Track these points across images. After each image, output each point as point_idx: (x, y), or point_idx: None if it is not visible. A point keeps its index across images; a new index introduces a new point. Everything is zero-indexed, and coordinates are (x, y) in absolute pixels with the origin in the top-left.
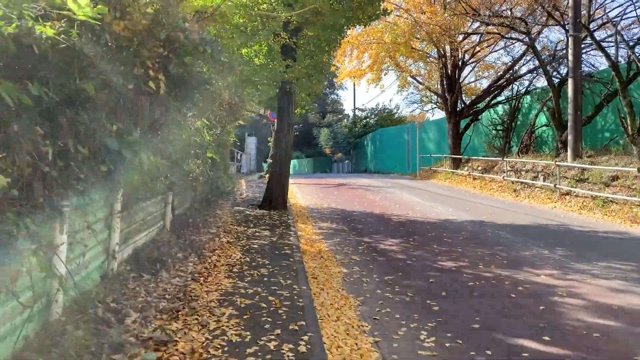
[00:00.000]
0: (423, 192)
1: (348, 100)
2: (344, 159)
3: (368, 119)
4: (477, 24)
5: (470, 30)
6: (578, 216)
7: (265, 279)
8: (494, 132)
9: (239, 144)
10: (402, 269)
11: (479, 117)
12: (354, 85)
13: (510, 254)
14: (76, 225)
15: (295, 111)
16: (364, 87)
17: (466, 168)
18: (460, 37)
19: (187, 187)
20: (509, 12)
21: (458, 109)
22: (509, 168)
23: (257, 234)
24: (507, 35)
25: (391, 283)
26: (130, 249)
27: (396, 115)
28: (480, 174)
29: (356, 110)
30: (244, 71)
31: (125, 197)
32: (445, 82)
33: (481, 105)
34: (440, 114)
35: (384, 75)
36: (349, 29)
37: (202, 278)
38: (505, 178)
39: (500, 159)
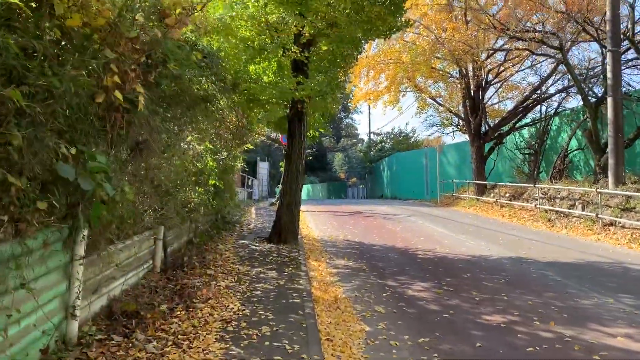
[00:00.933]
0: (448, 222)
1: (363, 124)
2: (359, 184)
3: (384, 143)
4: (503, 40)
5: (495, 47)
6: (629, 251)
7: (267, 342)
8: (520, 156)
9: (247, 169)
10: (438, 325)
11: (504, 140)
12: (369, 108)
13: (566, 303)
14: (10, 282)
15: (308, 134)
16: (380, 109)
17: (492, 195)
18: (484, 56)
19: (184, 220)
20: (541, 26)
21: (482, 131)
22: (541, 195)
23: (261, 275)
24: (537, 52)
25: (428, 348)
26: (103, 300)
27: (412, 139)
28: (508, 201)
29: (371, 134)
30: (250, 89)
31: (95, 236)
32: (467, 104)
33: (506, 127)
34: (461, 137)
35: (402, 96)
36: (367, 42)
37: (186, 342)
38: (537, 206)
39: (531, 185)
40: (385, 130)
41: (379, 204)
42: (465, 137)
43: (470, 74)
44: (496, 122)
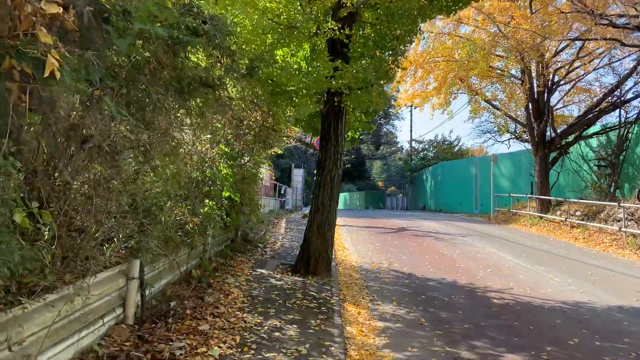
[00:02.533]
0: (513, 246)
1: (403, 132)
2: (397, 193)
3: (426, 152)
4: (577, 33)
5: (570, 38)
6: None
7: None
8: (587, 168)
9: (278, 177)
10: None
11: (569, 150)
12: (411, 113)
13: None
14: None
15: (346, 135)
16: (427, 113)
17: (559, 212)
18: (554, 50)
19: (179, 246)
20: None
21: (547, 139)
22: (626, 216)
23: (276, 333)
24: (626, 42)
25: None
26: None
27: (457, 148)
28: (581, 222)
29: (413, 142)
30: (273, 75)
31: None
32: (531, 107)
33: (571, 137)
34: (515, 147)
35: (453, 99)
36: (426, 21)
37: None
38: (622, 229)
39: (613, 203)
40: (427, 137)
41: (424, 218)
42: (522, 146)
43: (534, 73)
44: (564, 128)
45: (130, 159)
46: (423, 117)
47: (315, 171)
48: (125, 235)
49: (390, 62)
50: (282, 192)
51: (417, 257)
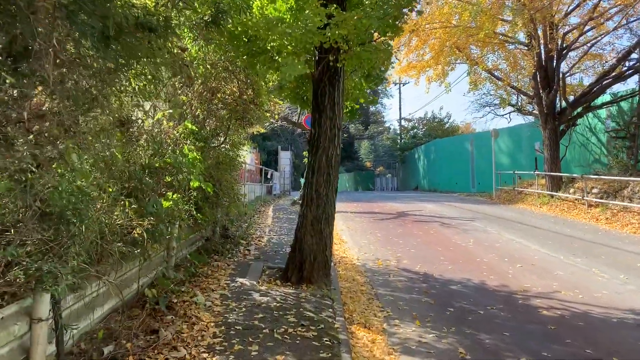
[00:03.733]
0: (531, 230)
1: (393, 109)
2: (386, 173)
3: (416, 130)
4: None
5: None
6: None
7: None
8: (596, 141)
9: (257, 161)
10: None
11: (576, 122)
12: (400, 90)
13: None
14: None
15: (345, 104)
16: (420, 89)
17: (572, 190)
18: (563, 12)
19: (120, 261)
20: None
21: (556, 110)
22: None
23: None
24: None
25: None
26: None
27: (447, 125)
28: (600, 200)
29: (402, 120)
30: (249, 27)
31: None
32: (539, 75)
33: (581, 108)
34: (517, 120)
35: (451, 70)
36: None
37: None
38: None
39: (636, 179)
40: (417, 115)
41: (421, 200)
42: (523, 120)
43: (542, 39)
44: (575, 98)
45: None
46: (412, 94)
47: (305, 153)
48: (27, 254)
49: (400, 5)
50: (268, 176)
51: (428, 249)
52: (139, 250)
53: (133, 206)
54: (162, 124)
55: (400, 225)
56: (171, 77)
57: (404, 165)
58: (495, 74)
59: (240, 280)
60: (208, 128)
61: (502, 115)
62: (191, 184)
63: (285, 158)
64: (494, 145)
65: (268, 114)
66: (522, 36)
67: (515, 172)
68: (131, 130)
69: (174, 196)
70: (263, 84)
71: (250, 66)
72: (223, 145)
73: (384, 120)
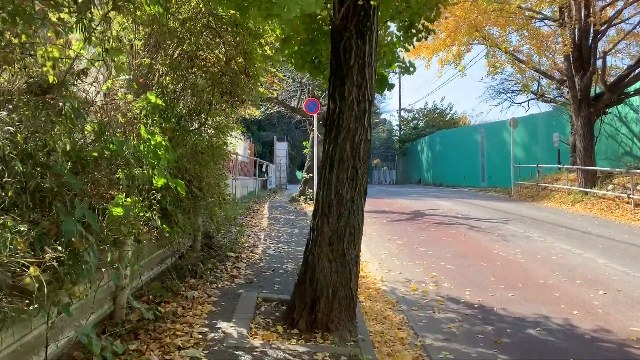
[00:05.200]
0: (583, 237)
1: (393, 99)
2: (382, 166)
3: (417, 121)
4: None
5: None
6: None
7: None
8: (626, 132)
9: (251, 152)
10: None
11: (607, 110)
12: (400, 80)
13: None
14: None
15: (382, 64)
16: (434, 70)
17: (611, 187)
18: None
19: None
20: None
21: (592, 95)
22: None
23: None
24: None
25: None
26: None
27: (449, 116)
28: None
29: (402, 111)
30: None
31: None
32: (572, 56)
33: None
34: (535, 109)
35: (467, 51)
36: None
37: None
38: None
39: None
40: (417, 106)
41: (433, 196)
42: (544, 108)
43: (575, 15)
44: (613, 82)
45: None
46: (410, 85)
47: (305, 143)
48: None
49: None
50: (263, 169)
51: (469, 264)
52: (35, 306)
53: (21, 228)
54: (118, 95)
55: (422, 229)
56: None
57: (404, 158)
58: (517, 56)
59: (224, 326)
60: (181, 105)
61: (520, 103)
62: (154, 181)
63: (281, 149)
64: (512, 136)
65: (264, 90)
66: (550, 12)
67: (539, 165)
68: (55, 99)
69: (128, 200)
70: (258, 48)
71: (241, 11)
72: (204, 128)
73: (379, 112)
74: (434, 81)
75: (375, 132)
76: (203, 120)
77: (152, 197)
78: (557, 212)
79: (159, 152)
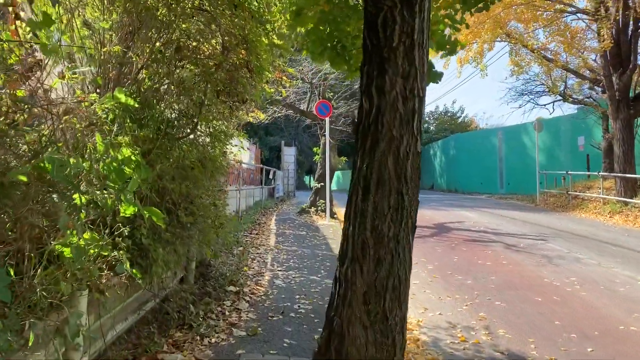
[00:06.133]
0: None
1: None
2: None
3: (427, 124)
4: None
5: None
6: None
7: None
8: None
9: (257, 159)
10: None
11: None
12: None
13: None
14: None
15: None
16: (453, 70)
17: None
18: None
19: None
20: None
21: (631, 95)
22: None
23: None
24: None
25: None
26: None
27: (460, 119)
28: None
29: None
30: None
31: None
32: (608, 53)
33: None
34: (557, 111)
35: (488, 49)
36: None
37: None
38: None
39: None
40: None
41: (450, 205)
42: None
43: (613, 7)
44: None
45: None
46: (457, 69)
47: (316, 149)
48: None
49: None
50: (270, 176)
51: (521, 300)
52: None
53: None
54: (75, 92)
55: (452, 249)
56: None
57: None
58: (543, 54)
59: None
60: (164, 106)
61: (544, 105)
62: (122, 209)
63: (289, 154)
64: (537, 140)
65: (269, 89)
66: (583, 4)
67: (569, 172)
68: None
69: (84, 237)
70: (263, 36)
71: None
72: (195, 136)
73: None
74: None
75: None
76: (193, 126)
77: (120, 231)
78: (596, 225)
79: (126, 171)
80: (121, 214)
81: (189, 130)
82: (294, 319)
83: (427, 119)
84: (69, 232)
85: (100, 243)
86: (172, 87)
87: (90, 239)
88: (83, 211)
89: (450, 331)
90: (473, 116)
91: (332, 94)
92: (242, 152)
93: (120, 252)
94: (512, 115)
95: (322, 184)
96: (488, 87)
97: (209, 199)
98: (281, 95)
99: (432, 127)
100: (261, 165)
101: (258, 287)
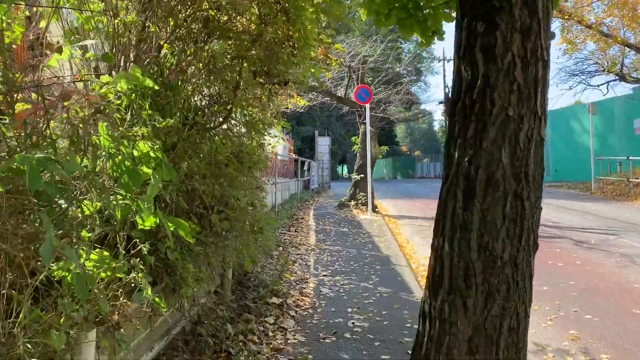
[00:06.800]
0: None
1: (439, 87)
2: (423, 158)
3: None
4: None
5: None
6: None
7: None
8: None
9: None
10: None
11: None
12: (444, 67)
13: None
14: None
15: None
16: None
17: None
18: None
19: None
20: None
21: None
22: None
23: None
24: None
25: None
26: None
27: None
28: None
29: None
30: None
31: None
32: None
33: None
34: (611, 93)
35: None
36: None
37: None
38: None
39: None
40: None
41: None
42: (614, 92)
43: None
44: None
45: None
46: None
47: (354, 138)
48: None
49: None
50: (305, 168)
51: (615, 312)
52: None
53: None
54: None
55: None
56: None
57: None
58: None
59: None
60: (190, 89)
61: (597, 86)
62: (139, 220)
63: (323, 144)
64: (592, 124)
65: (316, 69)
66: None
67: (630, 157)
68: None
69: (93, 257)
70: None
71: None
72: (229, 125)
73: (419, 102)
74: None
75: (415, 124)
76: (226, 113)
77: (138, 248)
78: None
79: (144, 171)
80: (139, 227)
81: (221, 119)
82: (349, 341)
83: None
84: (62, 262)
85: (114, 265)
86: (201, 65)
87: (99, 261)
88: (86, 228)
89: (540, 356)
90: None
91: (371, 78)
92: (279, 144)
93: (140, 275)
94: (561, 98)
95: (362, 175)
96: None
97: (245, 198)
98: (325, 79)
99: None
100: (296, 157)
101: (303, 298)
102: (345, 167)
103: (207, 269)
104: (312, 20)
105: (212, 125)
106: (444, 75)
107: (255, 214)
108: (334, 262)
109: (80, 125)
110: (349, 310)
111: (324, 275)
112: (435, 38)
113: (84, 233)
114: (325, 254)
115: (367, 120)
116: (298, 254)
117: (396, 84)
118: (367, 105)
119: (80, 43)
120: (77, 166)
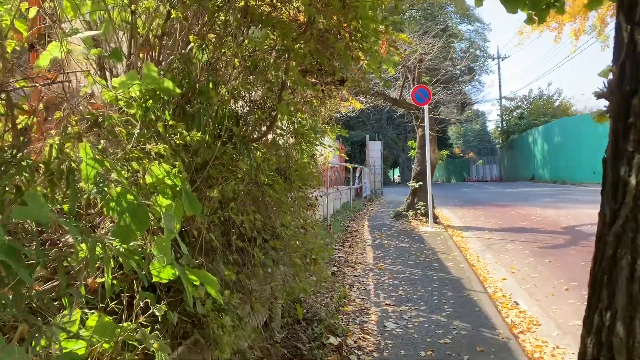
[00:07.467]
0: None
1: (494, 87)
2: (477, 160)
3: (521, 110)
4: None
5: None
6: None
7: None
8: None
9: (341, 158)
10: None
11: None
12: (499, 65)
13: None
14: None
15: None
16: (543, 50)
17: None
18: None
19: None
20: None
21: None
22: None
23: None
24: None
25: None
26: None
27: (557, 103)
28: None
29: (503, 100)
30: None
31: None
32: None
33: None
34: None
35: (611, 15)
36: None
37: None
38: None
39: None
40: (520, 94)
41: (566, 199)
42: None
43: None
44: None
45: None
46: (509, 73)
47: (411, 143)
48: None
49: None
50: (357, 175)
51: None
52: None
53: None
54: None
55: None
56: None
57: (510, 152)
58: None
59: None
60: (224, 93)
61: None
62: (153, 272)
63: (375, 149)
64: None
65: (371, 65)
66: None
67: None
68: None
69: (89, 323)
70: None
71: None
72: (273, 135)
73: (473, 102)
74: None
75: (468, 125)
76: (270, 121)
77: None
78: None
79: (157, 208)
80: (153, 279)
81: (264, 129)
82: None
83: (519, 103)
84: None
85: (118, 331)
86: (236, 61)
87: (100, 328)
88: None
89: None
90: (568, 99)
91: (428, 78)
92: (332, 154)
93: (155, 343)
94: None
95: (421, 183)
96: (594, 64)
97: (295, 221)
98: (388, 76)
99: (525, 112)
100: (347, 164)
101: (365, 336)
102: (395, 171)
103: (248, 315)
104: (373, 3)
105: (252, 137)
106: (500, 75)
107: (307, 240)
108: (397, 287)
109: (56, 145)
110: (423, 354)
111: (387, 305)
112: (552, 11)
113: (81, 289)
114: (385, 275)
115: (426, 123)
116: (355, 276)
117: (453, 83)
118: (426, 107)
119: (79, 35)
120: (41, 210)
